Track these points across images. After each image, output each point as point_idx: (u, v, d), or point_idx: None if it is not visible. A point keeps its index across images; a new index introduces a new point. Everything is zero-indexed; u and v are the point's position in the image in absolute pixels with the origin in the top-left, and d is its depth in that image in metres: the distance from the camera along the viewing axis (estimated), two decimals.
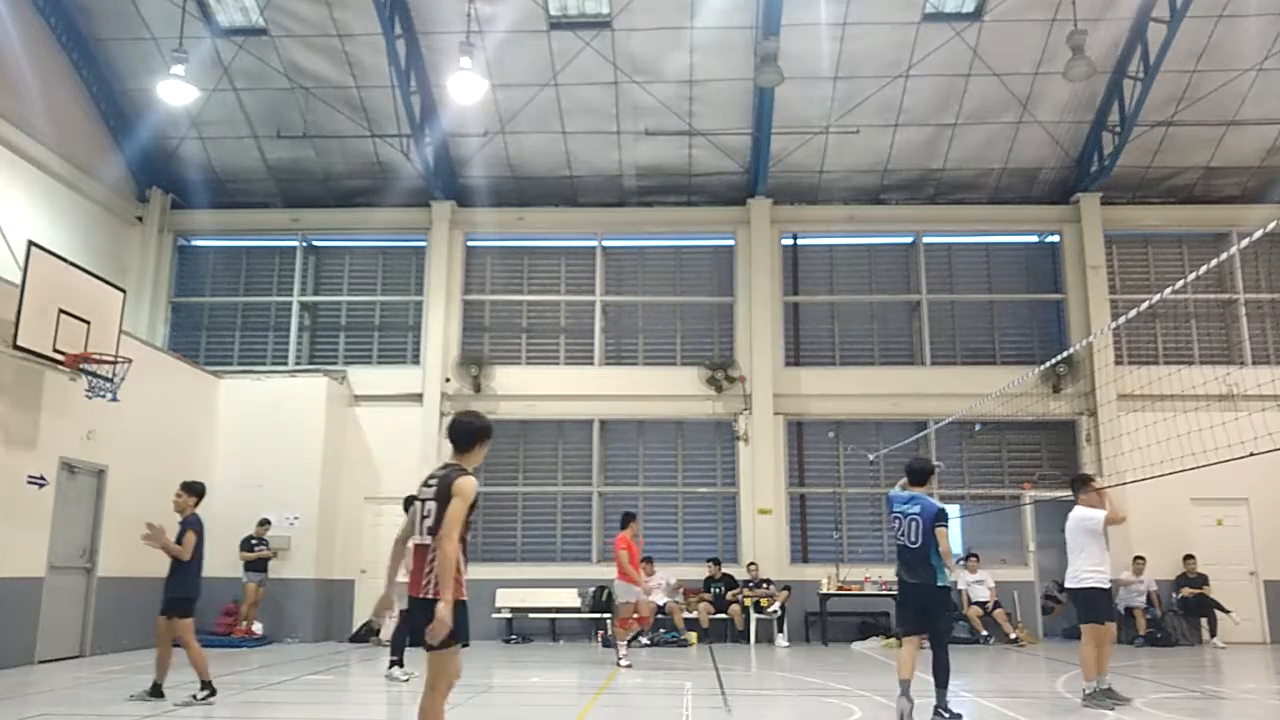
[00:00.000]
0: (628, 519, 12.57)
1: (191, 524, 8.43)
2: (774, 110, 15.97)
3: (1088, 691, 8.30)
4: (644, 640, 14.99)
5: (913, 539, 7.64)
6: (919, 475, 7.86)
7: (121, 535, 12.35)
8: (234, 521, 14.94)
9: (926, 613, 7.64)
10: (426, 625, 4.67)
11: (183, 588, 8.36)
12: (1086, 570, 8.43)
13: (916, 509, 7.69)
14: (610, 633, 14.19)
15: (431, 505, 4.91)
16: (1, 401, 11.10)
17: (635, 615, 12.51)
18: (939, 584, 7.54)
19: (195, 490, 8.63)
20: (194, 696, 8.24)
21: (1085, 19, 14.68)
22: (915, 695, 7.20)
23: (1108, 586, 8.54)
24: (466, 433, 5.11)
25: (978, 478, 16.94)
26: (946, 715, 7.39)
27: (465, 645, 4.85)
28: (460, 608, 4.78)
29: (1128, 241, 17.75)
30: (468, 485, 4.86)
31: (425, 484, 5.03)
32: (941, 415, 15.15)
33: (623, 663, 11.91)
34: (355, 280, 18.25)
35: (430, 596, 4.74)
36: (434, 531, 4.84)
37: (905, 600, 7.90)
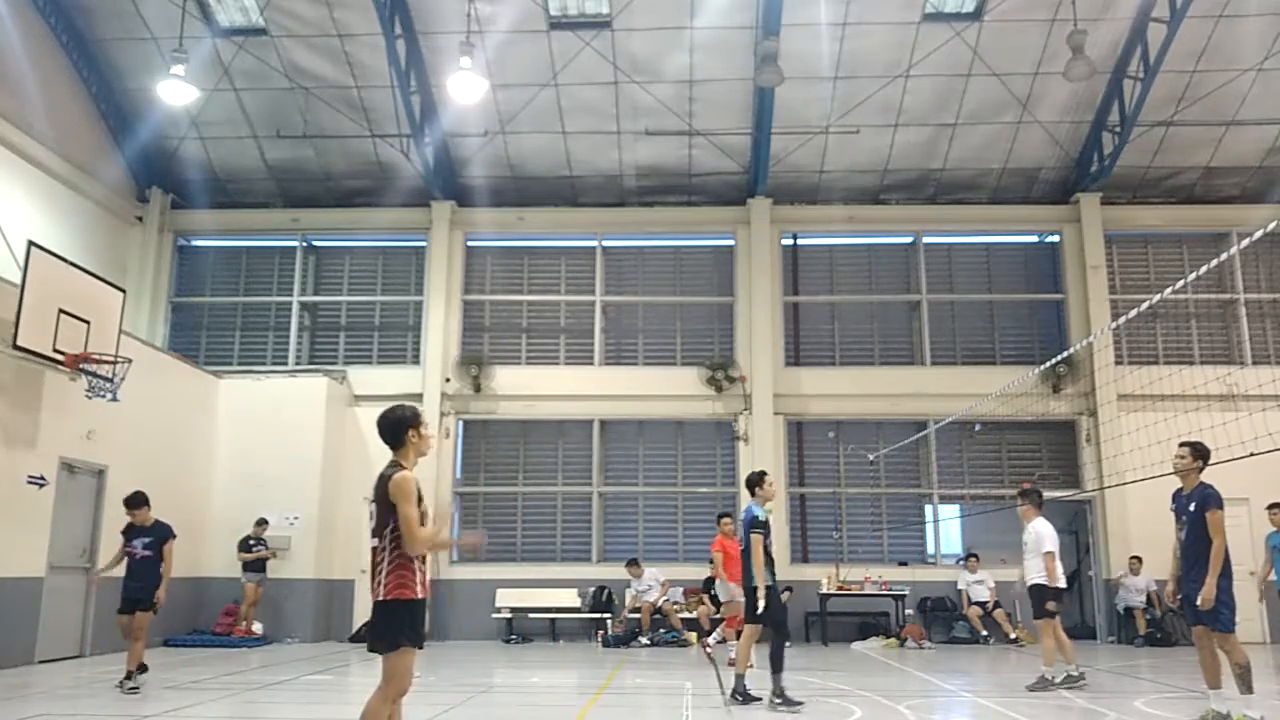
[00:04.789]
0: (719, 518, 12.52)
1: None
2: (774, 110, 15.97)
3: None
4: (644, 640, 15.01)
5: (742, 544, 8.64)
6: (750, 485, 8.70)
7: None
8: (234, 522, 15.00)
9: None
10: (379, 626, 4.67)
11: None
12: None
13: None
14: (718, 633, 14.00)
15: (371, 506, 4.78)
16: (1, 401, 11.10)
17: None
18: (752, 584, 8.32)
19: None
20: None
21: (1085, 19, 14.68)
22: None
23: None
24: (388, 427, 4.83)
25: (978, 478, 16.94)
26: (780, 700, 7.99)
27: (419, 648, 4.68)
28: (417, 606, 4.67)
29: (1128, 241, 17.75)
30: (404, 485, 4.61)
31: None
32: (941, 415, 15.15)
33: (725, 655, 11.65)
34: (355, 280, 18.25)
35: (381, 598, 4.66)
36: (376, 533, 4.73)
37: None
